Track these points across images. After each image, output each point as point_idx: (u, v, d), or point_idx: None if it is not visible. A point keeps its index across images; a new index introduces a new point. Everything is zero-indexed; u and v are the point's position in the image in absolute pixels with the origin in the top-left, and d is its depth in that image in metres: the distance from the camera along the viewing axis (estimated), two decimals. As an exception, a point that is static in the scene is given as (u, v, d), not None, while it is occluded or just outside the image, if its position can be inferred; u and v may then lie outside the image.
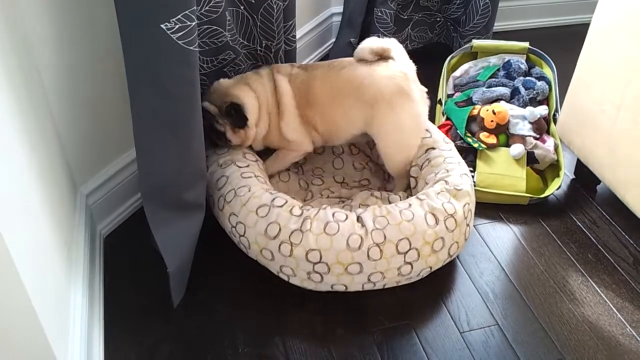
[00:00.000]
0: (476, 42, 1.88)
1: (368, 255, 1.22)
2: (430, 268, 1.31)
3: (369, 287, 1.28)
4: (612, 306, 1.34)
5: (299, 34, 1.99)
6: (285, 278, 1.29)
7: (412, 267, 1.27)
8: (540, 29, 2.51)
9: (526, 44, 1.86)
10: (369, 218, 1.26)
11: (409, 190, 1.51)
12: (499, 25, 2.32)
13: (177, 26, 1.02)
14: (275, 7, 1.49)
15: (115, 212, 1.45)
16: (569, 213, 1.60)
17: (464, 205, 1.33)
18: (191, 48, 1.06)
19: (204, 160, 1.27)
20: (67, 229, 1.19)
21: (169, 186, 1.19)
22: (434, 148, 1.47)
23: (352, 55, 2.13)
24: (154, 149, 1.14)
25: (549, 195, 1.60)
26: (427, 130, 1.51)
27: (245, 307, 1.31)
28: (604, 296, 1.36)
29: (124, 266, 1.38)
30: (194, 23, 1.05)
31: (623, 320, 1.31)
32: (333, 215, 1.26)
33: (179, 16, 1.02)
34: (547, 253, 1.48)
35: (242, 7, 1.48)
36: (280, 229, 1.23)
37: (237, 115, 1.40)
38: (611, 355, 1.23)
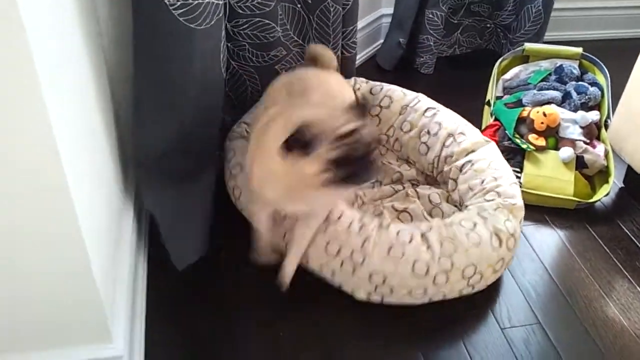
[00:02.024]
0: (528, 46, 1.87)
1: (434, 281, 1.20)
2: (486, 284, 1.30)
3: (425, 301, 1.26)
4: (659, 315, 1.31)
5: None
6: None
7: (473, 288, 1.26)
8: (593, 41, 2.47)
9: (579, 50, 1.84)
10: (435, 240, 1.22)
11: (445, 191, 1.48)
12: (550, 35, 2.30)
13: (178, 3, 1.05)
14: (332, 9, 1.50)
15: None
16: (616, 220, 1.57)
17: (520, 221, 1.32)
18: (192, 26, 1.08)
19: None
20: (118, 199, 1.22)
21: (161, 159, 1.21)
22: (474, 151, 1.45)
23: (399, 56, 2.16)
24: (149, 120, 1.17)
25: (597, 201, 1.57)
26: (461, 133, 1.48)
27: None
28: (651, 304, 1.33)
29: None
30: (197, 1, 1.07)
31: (671, 328, 1.27)
32: (397, 234, 1.22)
33: None
34: (593, 258, 1.45)
35: (299, 5, 1.51)
36: (340, 248, 1.21)
37: None
38: (658, 363, 1.20)
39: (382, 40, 2.29)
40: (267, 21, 1.41)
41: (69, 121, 0.85)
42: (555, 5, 2.22)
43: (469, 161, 1.42)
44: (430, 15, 2.08)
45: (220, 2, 1.15)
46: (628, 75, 1.54)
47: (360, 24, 2.16)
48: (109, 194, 1.12)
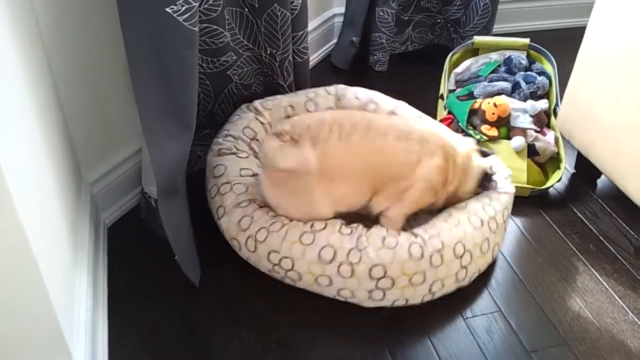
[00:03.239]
0: (477, 38, 1.91)
1: (431, 262, 1.21)
2: (479, 270, 1.32)
3: (428, 298, 1.27)
4: (614, 294, 1.35)
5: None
6: (342, 299, 1.27)
7: (466, 271, 1.27)
8: (540, 32, 2.53)
9: (527, 40, 1.88)
10: (420, 229, 1.26)
11: None
12: (498, 27, 2.35)
13: (183, 8, 1.04)
14: (280, 14, 1.49)
15: (120, 202, 1.46)
16: (570, 205, 1.61)
17: (505, 208, 1.35)
18: (195, 29, 1.08)
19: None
20: (73, 215, 1.20)
21: (175, 173, 1.21)
22: None
23: (353, 55, 2.17)
24: (164, 141, 1.15)
25: (549, 187, 1.61)
26: None
27: (253, 296, 1.32)
28: (606, 284, 1.37)
29: (127, 255, 1.38)
30: (196, 5, 1.07)
31: (625, 307, 1.31)
32: (387, 231, 1.25)
33: None
34: (549, 243, 1.48)
35: (246, 10, 1.49)
36: (335, 251, 1.21)
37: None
38: (614, 342, 1.23)
39: (335, 40, 2.30)
40: (214, 26, 1.40)
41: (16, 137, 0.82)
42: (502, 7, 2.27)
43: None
44: (381, 13, 2.10)
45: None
46: (574, 64, 1.59)
47: (312, 24, 2.17)
48: (61, 209, 1.10)
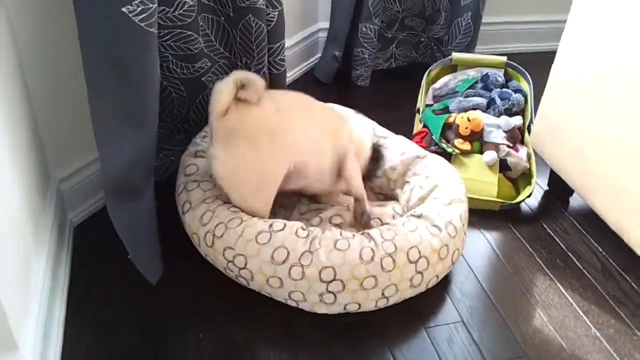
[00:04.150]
0: (456, 55, 1.93)
1: (382, 266, 1.20)
2: (437, 277, 1.31)
3: (382, 303, 1.25)
4: (578, 309, 1.34)
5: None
6: (294, 304, 1.25)
7: (422, 277, 1.26)
8: (520, 54, 2.56)
9: (504, 58, 1.90)
10: (376, 233, 1.26)
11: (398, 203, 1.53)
12: (480, 48, 2.38)
13: (139, 8, 1.05)
14: (254, 25, 1.50)
15: (88, 202, 1.46)
16: (540, 221, 1.61)
17: (463, 212, 1.36)
18: (152, 30, 1.09)
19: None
20: (35, 211, 1.19)
21: (129, 175, 1.19)
22: (418, 157, 1.52)
23: (335, 69, 2.20)
24: (112, 136, 1.14)
25: (520, 202, 1.62)
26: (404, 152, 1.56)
27: (211, 297, 1.31)
28: (570, 299, 1.37)
29: (92, 256, 1.38)
30: (154, 5, 1.08)
31: (588, 322, 1.31)
32: (340, 234, 1.26)
33: None
34: (517, 257, 1.48)
35: (222, 18, 1.51)
36: (288, 253, 1.20)
37: None
38: (574, 355, 1.23)
39: (319, 55, 2.32)
40: (189, 32, 1.41)
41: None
42: (485, 20, 2.31)
43: (425, 165, 1.50)
44: (364, 29, 2.13)
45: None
46: (547, 82, 1.61)
47: (297, 37, 2.20)
48: (24, 202, 1.10)
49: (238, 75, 1.22)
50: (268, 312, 1.27)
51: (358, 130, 1.49)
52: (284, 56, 1.66)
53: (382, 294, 1.23)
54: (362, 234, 1.27)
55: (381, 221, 1.41)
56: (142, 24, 1.06)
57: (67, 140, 1.37)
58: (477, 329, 1.27)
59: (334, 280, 1.19)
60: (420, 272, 1.26)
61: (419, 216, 1.33)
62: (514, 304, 1.35)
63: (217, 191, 1.34)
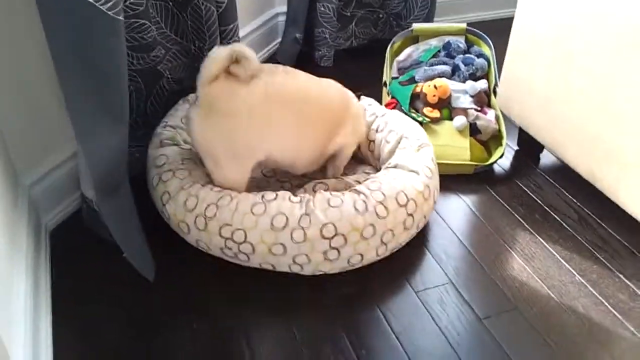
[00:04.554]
0: (416, 26, 1.94)
1: (377, 214, 1.24)
2: (425, 217, 1.36)
3: (382, 251, 1.29)
4: (560, 258, 1.38)
5: (241, 33, 2.01)
6: (298, 269, 1.27)
7: (413, 219, 1.31)
8: (479, 22, 2.60)
9: (464, 25, 1.93)
10: (362, 187, 1.29)
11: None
12: (438, 20, 2.40)
13: None
14: (204, 9, 1.48)
15: (62, 205, 1.42)
16: (514, 180, 1.64)
17: (431, 156, 1.43)
18: (120, 17, 1.06)
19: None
20: (8, 217, 1.15)
21: (111, 168, 1.18)
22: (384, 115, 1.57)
23: (297, 51, 2.19)
24: (96, 133, 1.13)
25: (493, 163, 1.64)
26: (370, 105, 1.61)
27: (203, 286, 1.30)
28: (552, 250, 1.40)
29: (71, 259, 1.34)
30: None
31: (572, 269, 1.34)
32: (330, 194, 1.27)
33: None
34: (496, 216, 1.51)
35: (170, 3, 1.48)
36: (287, 218, 1.21)
37: None
38: (562, 302, 1.26)
39: (279, 40, 2.31)
40: (141, 21, 1.38)
41: None
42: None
43: (384, 120, 1.55)
44: (322, 8, 2.12)
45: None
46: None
47: (255, 23, 2.18)
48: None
49: (235, 47, 1.20)
50: (264, 291, 1.27)
51: (361, 119, 1.51)
52: (239, 38, 1.64)
53: (381, 241, 1.27)
54: (350, 190, 1.29)
55: (358, 182, 1.43)
56: (110, 12, 1.04)
57: (33, 144, 1.33)
58: (466, 288, 1.29)
59: (335, 235, 1.21)
60: (411, 215, 1.30)
61: (395, 166, 1.38)
62: (499, 260, 1.37)
63: (193, 178, 1.32)
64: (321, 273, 1.27)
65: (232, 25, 1.58)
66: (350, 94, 1.48)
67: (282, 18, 2.29)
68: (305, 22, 2.15)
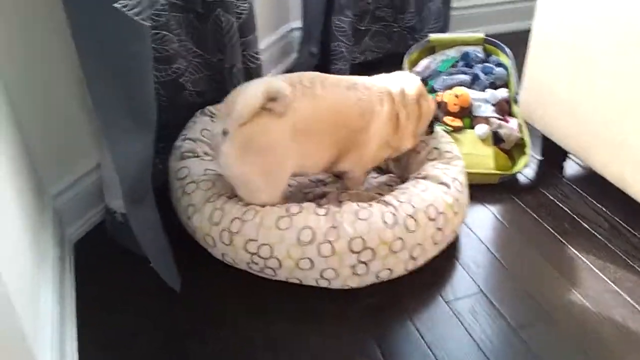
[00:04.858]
0: (433, 36, 1.94)
1: (406, 227, 1.21)
2: (454, 232, 1.34)
3: (411, 265, 1.26)
4: (593, 267, 1.34)
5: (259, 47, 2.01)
6: (326, 284, 1.24)
7: (442, 233, 1.28)
8: (494, 36, 2.58)
9: (481, 35, 1.92)
10: (391, 199, 1.26)
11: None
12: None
13: (131, 2, 1.02)
14: (224, 20, 1.48)
15: (86, 216, 1.41)
16: (540, 189, 1.61)
17: (461, 170, 1.40)
18: (146, 23, 1.06)
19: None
20: (35, 229, 1.14)
21: (140, 176, 1.16)
22: None
23: (314, 66, 2.18)
24: (127, 140, 1.11)
25: (518, 172, 1.62)
26: None
27: (229, 298, 1.27)
28: (584, 259, 1.36)
29: (96, 271, 1.32)
30: None
31: (606, 278, 1.30)
32: (357, 205, 1.25)
33: None
34: (524, 225, 1.48)
35: (191, 15, 1.48)
36: (313, 232, 1.19)
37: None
38: (599, 312, 1.22)
39: (295, 54, 2.31)
40: (163, 32, 1.38)
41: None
42: (456, 5, 2.33)
43: None
44: (338, 22, 2.12)
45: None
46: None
47: (270, 39, 2.18)
48: (22, 222, 1.04)
49: (271, 86, 1.16)
50: (292, 303, 1.25)
51: (415, 98, 1.40)
52: (258, 49, 1.64)
53: (410, 256, 1.24)
54: (378, 201, 1.26)
55: (381, 194, 1.39)
56: (136, 18, 1.03)
57: (58, 154, 1.32)
58: (498, 298, 1.26)
59: (364, 249, 1.18)
60: (441, 229, 1.27)
61: (425, 177, 1.35)
62: (530, 269, 1.34)
63: (217, 189, 1.30)
64: (349, 287, 1.24)
65: (251, 36, 1.58)
66: (375, 108, 1.34)
67: (298, 33, 2.28)
68: (321, 36, 2.14)
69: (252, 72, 1.65)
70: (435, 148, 1.44)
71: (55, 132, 1.30)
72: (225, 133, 1.19)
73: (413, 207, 1.24)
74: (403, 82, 1.41)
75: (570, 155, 1.69)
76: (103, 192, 1.36)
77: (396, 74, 1.45)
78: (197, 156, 1.41)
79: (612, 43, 1.32)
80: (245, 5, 1.52)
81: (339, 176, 1.48)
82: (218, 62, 1.56)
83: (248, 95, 1.16)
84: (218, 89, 1.62)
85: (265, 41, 2.13)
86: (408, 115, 1.38)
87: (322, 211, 1.23)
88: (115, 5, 1.00)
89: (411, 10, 2.31)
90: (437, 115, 1.48)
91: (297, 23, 2.27)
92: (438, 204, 1.27)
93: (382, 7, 2.29)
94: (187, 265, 1.30)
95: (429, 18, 2.25)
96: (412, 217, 1.23)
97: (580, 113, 1.45)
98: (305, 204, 1.25)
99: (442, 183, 1.33)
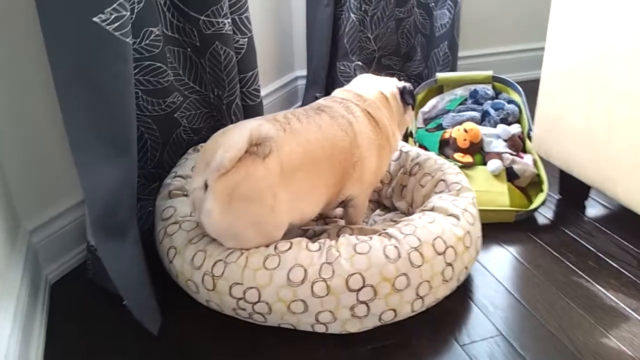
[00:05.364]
0: (440, 75, 1.88)
1: (410, 262, 1.10)
2: (466, 269, 1.21)
3: (418, 306, 1.13)
4: (625, 307, 1.19)
5: (262, 92, 1.97)
6: (322, 329, 1.12)
7: (453, 269, 1.15)
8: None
9: (490, 72, 1.86)
10: (394, 231, 1.15)
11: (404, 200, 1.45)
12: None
13: (113, 16, 0.97)
14: (222, 54, 1.43)
15: (68, 255, 1.31)
16: (560, 227, 1.49)
17: (472, 201, 1.29)
18: (127, 40, 1.01)
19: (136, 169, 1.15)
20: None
21: (113, 205, 1.07)
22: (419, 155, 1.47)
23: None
24: (96, 164, 1.04)
25: (536, 209, 1.50)
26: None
27: (215, 348, 1.14)
28: (614, 299, 1.22)
29: (74, 317, 1.20)
30: (128, 13, 1.00)
31: (641, 319, 1.16)
32: (357, 238, 1.14)
33: (114, 5, 0.97)
34: (545, 264, 1.34)
35: (189, 49, 1.44)
36: (305, 270, 1.07)
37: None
38: (637, 355, 1.07)
39: (300, 103, 2.27)
40: (157, 64, 1.32)
41: None
42: (462, 54, 2.30)
43: (417, 163, 1.45)
44: (342, 67, 2.09)
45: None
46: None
47: (274, 85, 2.15)
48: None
49: (257, 132, 1.05)
50: (285, 352, 1.11)
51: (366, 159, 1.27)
52: (259, 86, 1.57)
53: (417, 294, 1.10)
54: (380, 234, 1.14)
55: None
56: (116, 33, 0.98)
57: (38, 188, 1.24)
58: (519, 340, 1.11)
59: (363, 287, 1.06)
60: (450, 264, 1.14)
61: (432, 209, 1.23)
62: (554, 310, 1.19)
63: (201, 230, 1.19)
64: (348, 333, 1.11)
65: (252, 72, 1.53)
66: (349, 118, 1.25)
67: (302, 82, 2.26)
68: (326, 81, 2.11)
69: (251, 109, 1.59)
70: (442, 180, 1.34)
71: (37, 164, 1.23)
72: (206, 186, 1.07)
73: (418, 239, 1.12)
74: (354, 85, 1.37)
75: (592, 194, 1.58)
76: (85, 230, 1.27)
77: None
78: (186, 194, 1.31)
79: (629, 66, 1.24)
80: (245, 39, 1.48)
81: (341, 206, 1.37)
82: (216, 99, 1.51)
83: (231, 142, 1.04)
84: (215, 127, 1.55)
85: (269, 88, 2.10)
86: (377, 107, 1.29)
87: (314, 246, 1.11)
88: (94, 19, 0.96)
89: (417, 58, 2.28)
90: (404, 89, 1.36)
91: (302, 72, 2.25)
92: (446, 237, 1.15)
93: (388, 54, 2.27)
94: (171, 309, 1.19)
95: (435, 64, 2.22)
96: (417, 250, 1.10)
97: (600, 141, 1.35)
98: (296, 240, 1.12)
99: (451, 215, 1.21)
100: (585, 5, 1.34)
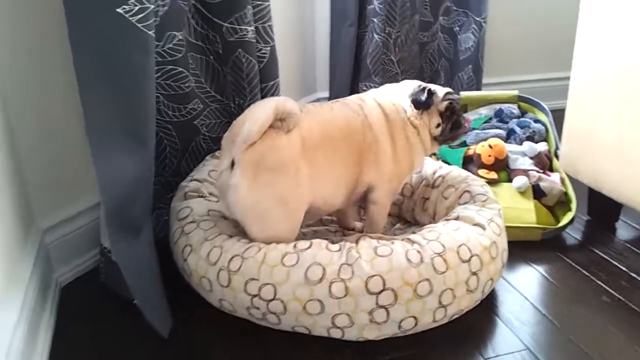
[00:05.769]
0: (464, 94, 1.85)
1: (434, 267, 1.05)
2: (492, 280, 1.15)
3: (440, 315, 1.08)
4: (662, 327, 1.12)
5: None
6: (338, 334, 1.07)
7: (478, 279, 1.10)
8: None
9: (515, 92, 1.82)
10: (417, 237, 1.12)
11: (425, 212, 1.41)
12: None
13: (137, 7, 0.97)
14: (245, 62, 1.44)
15: (81, 258, 1.29)
16: (590, 247, 1.42)
17: (499, 212, 1.25)
18: (150, 32, 1.01)
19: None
20: (7, 258, 1.01)
21: (128, 199, 1.05)
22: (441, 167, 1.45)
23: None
24: (113, 156, 1.02)
25: (564, 228, 1.44)
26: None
27: (226, 352, 1.09)
28: (650, 318, 1.15)
29: (83, 321, 1.17)
30: (152, 6, 1.01)
31: (679, 339, 1.08)
32: (378, 241, 1.11)
33: None
34: (574, 283, 1.28)
35: (211, 57, 1.45)
36: (324, 269, 1.04)
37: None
38: (675, 375, 0.99)
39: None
40: (179, 69, 1.32)
41: None
42: (486, 81, 2.28)
43: (440, 176, 1.41)
44: (364, 88, 2.08)
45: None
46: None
47: (296, 105, 2.14)
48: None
49: (282, 105, 1.08)
50: (297, 358, 1.06)
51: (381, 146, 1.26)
52: (279, 95, 1.57)
53: (440, 302, 1.05)
54: (402, 239, 1.10)
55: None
56: (139, 25, 0.98)
57: (56, 185, 1.23)
58: (547, 355, 1.05)
59: (383, 290, 1.01)
60: (475, 274, 1.08)
61: (457, 218, 1.19)
62: (583, 326, 1.13)
63: (219, 228, 1.17)
64: (366, 340, 1.06)
65: (273, 82, 1.52)
66: (364, 111, 1.25)
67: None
68: (348, 101, 2.10)
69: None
70: (467, 191, 1.30)
71: (56, 162, 1.22)
72: (232, 165, 1.08)
73: (442, 245, 1.08)
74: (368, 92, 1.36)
75: (622, 216, 1.52)
76: (99, 232, 1.25)
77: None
78: (202, 196, 1.29)
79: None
80: (267, 48, 1.48)
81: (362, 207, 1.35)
82: (236, 108, 1.50)
83: (257, 114, 1.08)
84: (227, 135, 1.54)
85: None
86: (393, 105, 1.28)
87: (335, 247, 1.08)
88: (118, 10, 0.96)
89: (441, 82, 2.27)
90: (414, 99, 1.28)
91: (325, 93, 2.25)
92: (472, 245, 1.10)
93: (411, 78, 2.25)
94: (181, 314, 1.15)
95: (460, 87, 2.20)
96: (441, 256, 1.06)
97: (632, 156, 1.30)
98: (316, 240, 1.10)
99: (476, 224, 1.17)
100: (615, 13, 1.32)
